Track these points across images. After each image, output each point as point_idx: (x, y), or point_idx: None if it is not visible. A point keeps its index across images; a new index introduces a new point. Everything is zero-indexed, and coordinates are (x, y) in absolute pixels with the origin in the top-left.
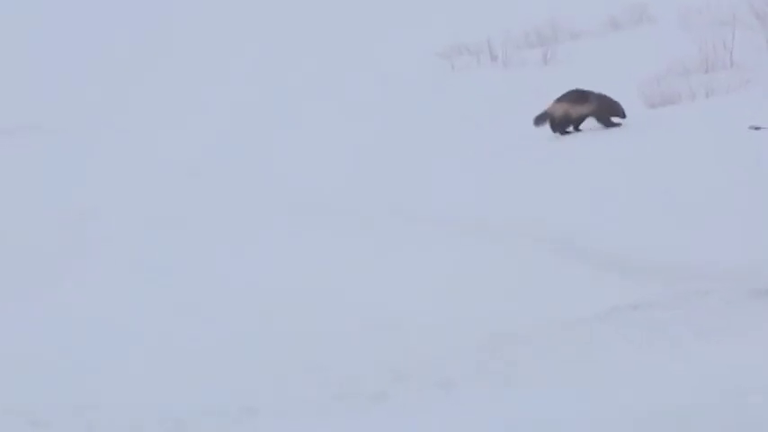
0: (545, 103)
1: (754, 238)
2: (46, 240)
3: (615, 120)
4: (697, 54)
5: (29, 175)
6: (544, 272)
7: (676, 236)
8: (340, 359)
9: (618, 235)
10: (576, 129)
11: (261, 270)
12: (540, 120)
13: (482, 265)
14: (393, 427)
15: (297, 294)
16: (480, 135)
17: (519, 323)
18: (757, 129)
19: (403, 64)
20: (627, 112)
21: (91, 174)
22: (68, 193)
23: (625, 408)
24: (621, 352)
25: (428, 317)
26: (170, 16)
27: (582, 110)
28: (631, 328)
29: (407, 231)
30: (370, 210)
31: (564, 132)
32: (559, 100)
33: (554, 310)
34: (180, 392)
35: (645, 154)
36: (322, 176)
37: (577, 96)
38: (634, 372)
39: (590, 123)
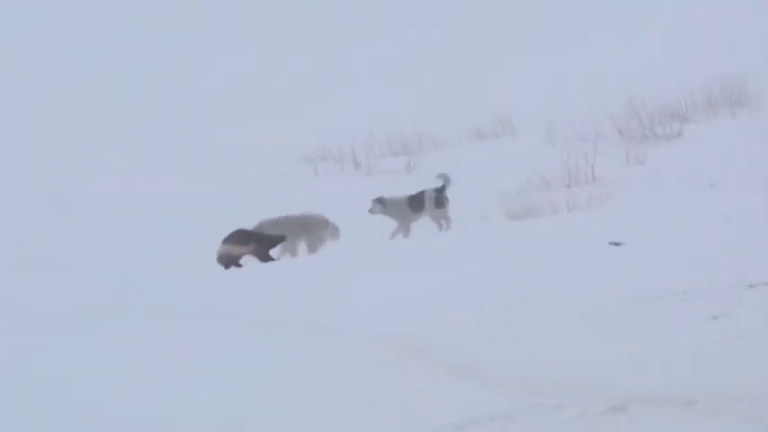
0: None
1: (608, 353)
2: None
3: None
4: (559, 168)
5: None
6: (393, 378)
7: (532, 349)
8: None
9: (475, 345)
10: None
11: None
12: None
13: (330, 372)
14: None
15: (164, 397)
16: (340, 241)
17: None
18: (617, 245)
19: (265, 166)
20: (489, 224)
21: None
22: None
23: None
24: None
25: (274, 422)
26: None
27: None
28: None
29: (253, 335)
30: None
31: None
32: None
33: (405, 419)
34: None
35: (504, 266)
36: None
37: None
38: None
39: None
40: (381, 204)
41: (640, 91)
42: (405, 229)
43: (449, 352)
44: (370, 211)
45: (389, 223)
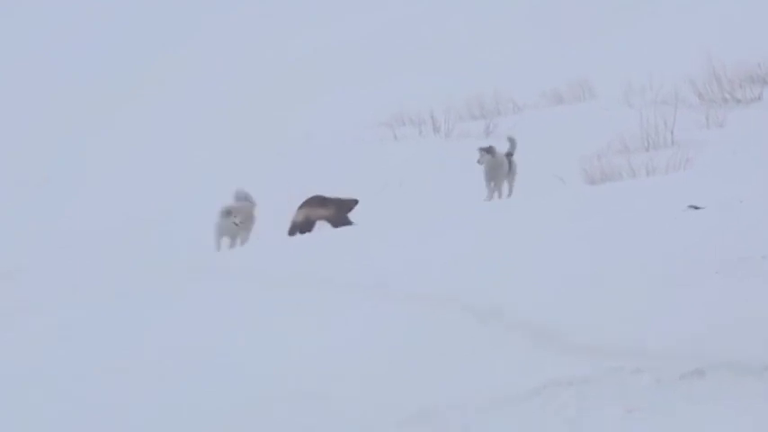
0: None
1: (685, 318)
2: None
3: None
4: (638, 131)
5: None
6: (474, 343)
7: (610, 313)
8: (261, 428)
9: (552, 310)
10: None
11: (187, 335)
12: (292, 230)
13: (407, 336)
14: None
15: (223, 360)
16: (416, 204)
17: (446, 398)
18: (696, 209)
19: (346, 131)
20: (568, 188)
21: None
22: None
23: None
24: (554, 429)
25: (350, 389)
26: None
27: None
28: (564, 404)
29: (335, 300)
30: (300, 277)
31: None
32: (301, 207)
33: (484, 384)
34: None
35: (582, 230)
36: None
37: (320, 200)
38: None
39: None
40: (491, 154)
41: (720, 54)
42: (498, 187)
43: (527, 316)
44: (479, 161)
45: (468, 185)
